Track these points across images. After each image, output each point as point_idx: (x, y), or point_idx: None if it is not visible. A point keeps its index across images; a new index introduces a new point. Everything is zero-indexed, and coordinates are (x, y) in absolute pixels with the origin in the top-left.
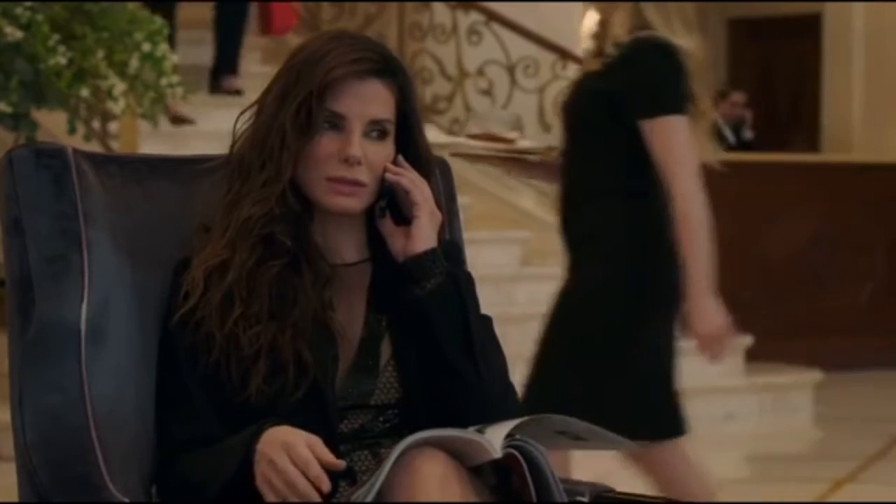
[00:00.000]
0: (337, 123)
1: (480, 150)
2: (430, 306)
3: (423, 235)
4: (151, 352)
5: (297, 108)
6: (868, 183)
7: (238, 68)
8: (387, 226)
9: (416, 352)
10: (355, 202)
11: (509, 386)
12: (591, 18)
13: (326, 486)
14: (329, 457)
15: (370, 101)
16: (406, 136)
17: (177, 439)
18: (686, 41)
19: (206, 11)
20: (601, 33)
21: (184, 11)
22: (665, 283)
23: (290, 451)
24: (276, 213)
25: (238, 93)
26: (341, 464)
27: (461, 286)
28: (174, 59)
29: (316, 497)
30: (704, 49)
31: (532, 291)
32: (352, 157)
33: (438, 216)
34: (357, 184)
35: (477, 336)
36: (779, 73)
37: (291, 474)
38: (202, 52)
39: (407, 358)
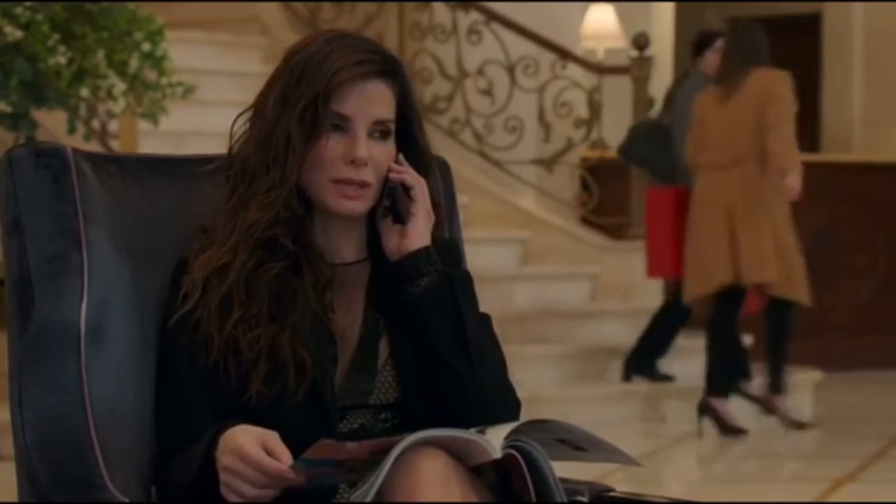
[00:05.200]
0: (342, 125)
1: None
2: (424, 305)
3: (418, 234)
4: (151, 351)
5: (302, 110)
6: (868, 183)
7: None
8: (385, 224)
9: (413, 351)
10: (361, 204)
11: (507, 385)
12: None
13: (290, 476)
14: (281, 453)
15: (374, 101)
16: (406, 135)
17: (173, 440)
18: None
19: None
20: None
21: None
22: None
23: (242, 454)
24: (280, 217)
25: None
26: (286, 457)
27: (455, 285)
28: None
29: (271, 487)
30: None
31: (532, 291)
32: (359, 158)
33: (433, 217)
34: (363, 185)
35: (472, 335)
36: None
37: (246, 476)
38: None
39: (404, 357)
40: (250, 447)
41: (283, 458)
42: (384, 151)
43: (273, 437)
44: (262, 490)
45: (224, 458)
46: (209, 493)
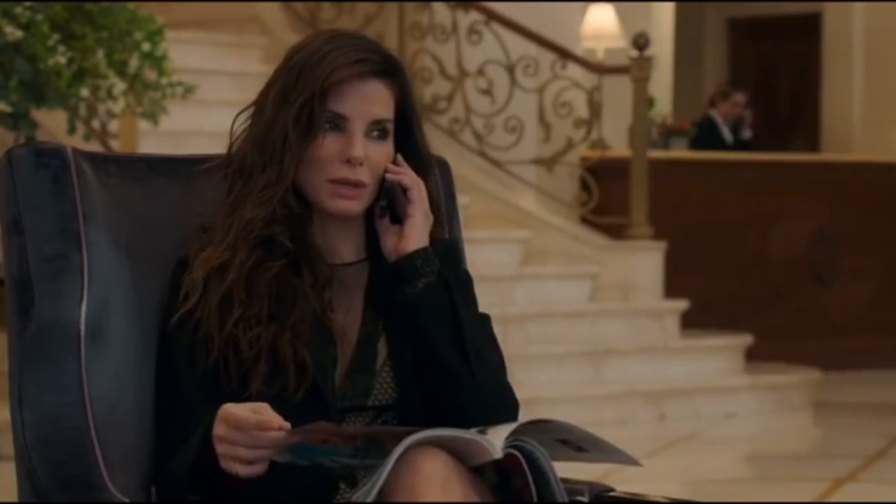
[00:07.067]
0: (339, 124)
1: None
2: (421, 306)
3: (416, 235)
4: (151, 351)
5: (299, 109)
6: (868, 183)
7: None
8: (383, 225)
9: (411, 351)
10: (357, 204)
11: (506, 385)
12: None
13: (276, 425)
14: (273, 417)
15: (372, 101)
16: (405, 135)
17: (173, 440)
18: None
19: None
20: None
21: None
22: None
23: (229, 420)
24: (277, 215)
25: None
26: (285, 424)
27: (452, 286)
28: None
29: (265, 441)
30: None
31: (532, 291)
32: (354, 157)
33: (431, 218)
34: (359, 185)
35: (470, 335)
36: (779, 72)
37: (236, 440)
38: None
39: (403, 358)
40: (239, 412)
41: (274, 419)
42: (381, 151)
43: (264, 407)
44: (258, 451)
45: (217, 429)
46: (208, 476)
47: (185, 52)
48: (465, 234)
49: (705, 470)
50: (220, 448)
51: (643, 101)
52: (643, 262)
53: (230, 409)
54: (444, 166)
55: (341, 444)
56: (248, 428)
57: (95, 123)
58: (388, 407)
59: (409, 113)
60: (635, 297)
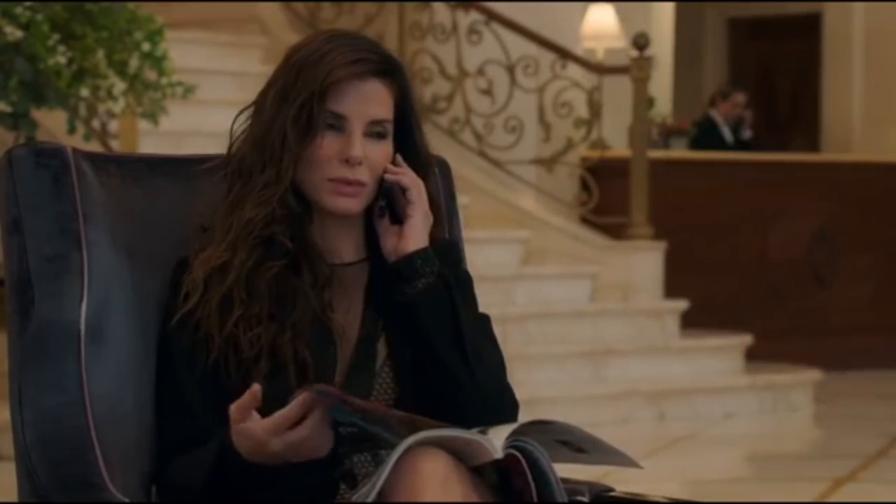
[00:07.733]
0: (337, 124)
1: None
2: (420, 307)
3: (416, 235)
4: (151, 351)
5: (298, 109)
6: (868, 183)
7: None
8: (383, 225)
9: (411, 352)
10: (356, 203)
11: (506, 386)
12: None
13: (300, 402)
14: (246, 399)
15: (371, 101)
16: (404, 135)
17: (173, 440)
18: None
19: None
20: None
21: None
22: None
23: (277, 431)
24: (277, 215)
25: None
26: (254, 388)
27: (452, 286)
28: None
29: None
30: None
31: (532, 291)
32: (353, 157)
33: (431, 218)
34: (358, 184)
35: (469, 336)
36: (779, 72)
37: (298, 434)
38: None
39: (402, 358)
40: (271, 421)
41: (252, 394)
42: (380, 151)
43: (233, 409)
44: (307, 423)
45: (275, 446)
46: (222, 490)
47: (185, 52)
48: (465, 234)
49: (705, 470)
50: (289, 454)
51: (643, 101)
52: (643, 262)
53: (257, 427)
54: (444, 166)
55: (350, 410)
56: (290, 422)
57: (95, 123)
58: (388, 406)
59: (408, 113)
60: (635, 297)
